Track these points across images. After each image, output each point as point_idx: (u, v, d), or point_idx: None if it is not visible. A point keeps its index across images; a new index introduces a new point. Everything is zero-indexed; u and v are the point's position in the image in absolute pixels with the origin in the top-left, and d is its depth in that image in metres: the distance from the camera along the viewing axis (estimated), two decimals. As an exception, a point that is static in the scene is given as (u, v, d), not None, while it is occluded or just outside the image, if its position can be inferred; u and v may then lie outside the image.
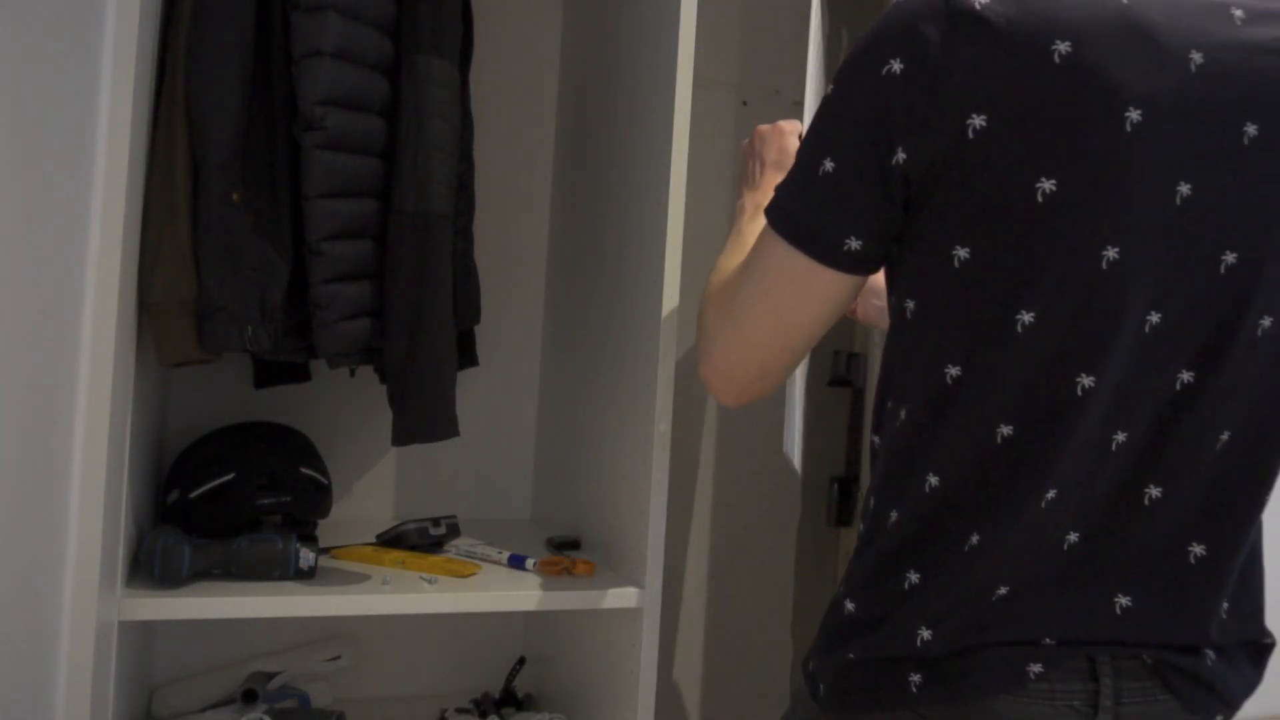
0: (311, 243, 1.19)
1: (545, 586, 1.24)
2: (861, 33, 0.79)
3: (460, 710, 1.54)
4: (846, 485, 1.90)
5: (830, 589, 1.94)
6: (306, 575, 1.19)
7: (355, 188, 1.22)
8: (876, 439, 0.87)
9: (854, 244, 0.77)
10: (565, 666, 1.52)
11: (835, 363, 1.91)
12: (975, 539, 0.78)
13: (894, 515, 0.81)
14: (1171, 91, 0.71)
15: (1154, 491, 0.79)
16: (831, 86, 0.78)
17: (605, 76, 1.51)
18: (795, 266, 0.79)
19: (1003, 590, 0.79)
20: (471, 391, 1.71)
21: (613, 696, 1.32)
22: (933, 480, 0.79)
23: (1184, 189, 0.73)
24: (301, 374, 1.57)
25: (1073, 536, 0.79)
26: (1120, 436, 0.77)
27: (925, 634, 0.79)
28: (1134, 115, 0.71)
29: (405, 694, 1.67)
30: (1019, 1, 0.73)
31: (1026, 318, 0.73)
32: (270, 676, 1.49)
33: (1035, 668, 0.78)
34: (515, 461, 1.75)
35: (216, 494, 1.33)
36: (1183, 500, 0.80)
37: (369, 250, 1.25)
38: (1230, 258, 0.75)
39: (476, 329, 1.68)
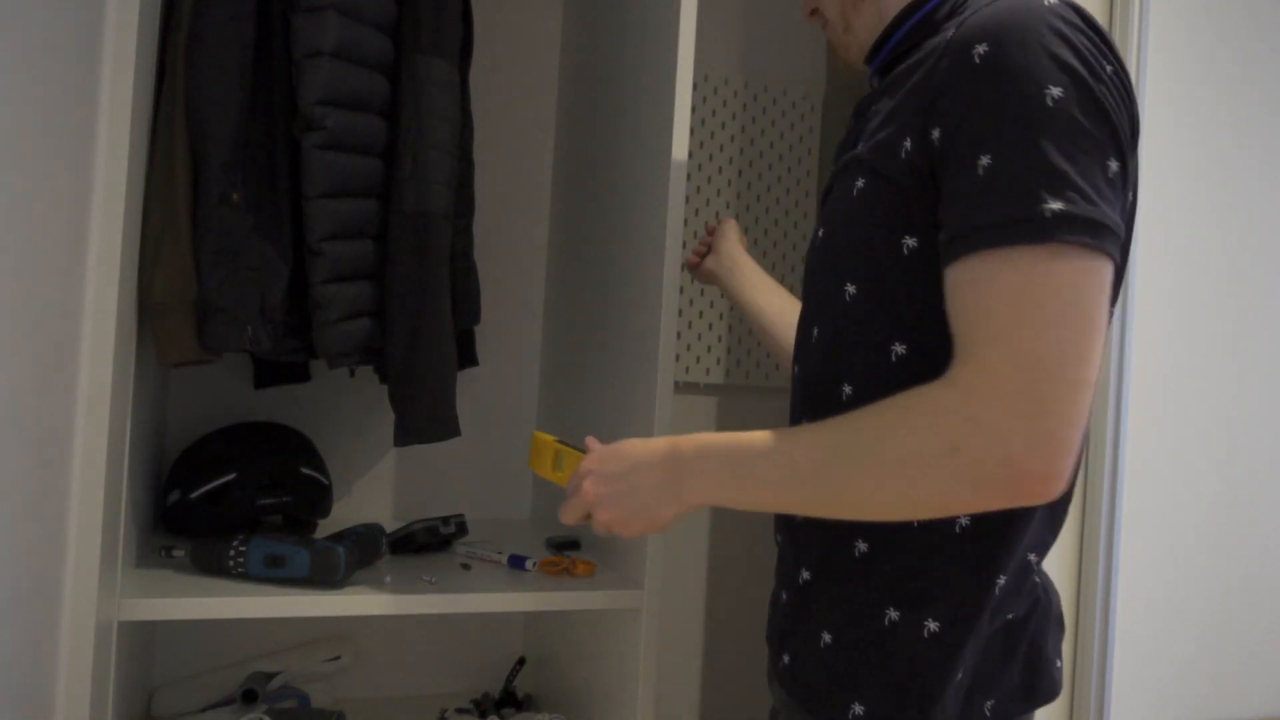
0: (311, 243, 1.19)
1: (545, 586, 1.24)
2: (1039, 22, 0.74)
3: (460, 710, 1.54)
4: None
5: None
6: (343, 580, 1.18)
7: (355, 188, 1.22)
8: None
9: (1123, 229, 0.73)
10: (565, 666, 1.52)
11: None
12: None
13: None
14: None
15: None
16: (1067, 88, 0.71)
17: (605, 76, 1.51)
18: (1105, 277, 0.70)
19: None
20: (471, 391, 1.71)
21: (613, 696, 1.32)
22: None
23: None
24: (301, 374, 1.57)
25: None
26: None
27: None
28: None
29: (405, 694, 1.67)
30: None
31: None
32: (270, 676, 1.49)
33: None
34: (515, 461, 1.75)
35: (217, 494, 1.33)
36: None
37: (369, 250, 1.25)
38: None
39: (476, 329, 1.68)
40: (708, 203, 1.84)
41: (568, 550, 1.45)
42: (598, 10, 1.58)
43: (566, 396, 1.60)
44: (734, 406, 1.89)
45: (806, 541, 0.89)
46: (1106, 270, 0.69)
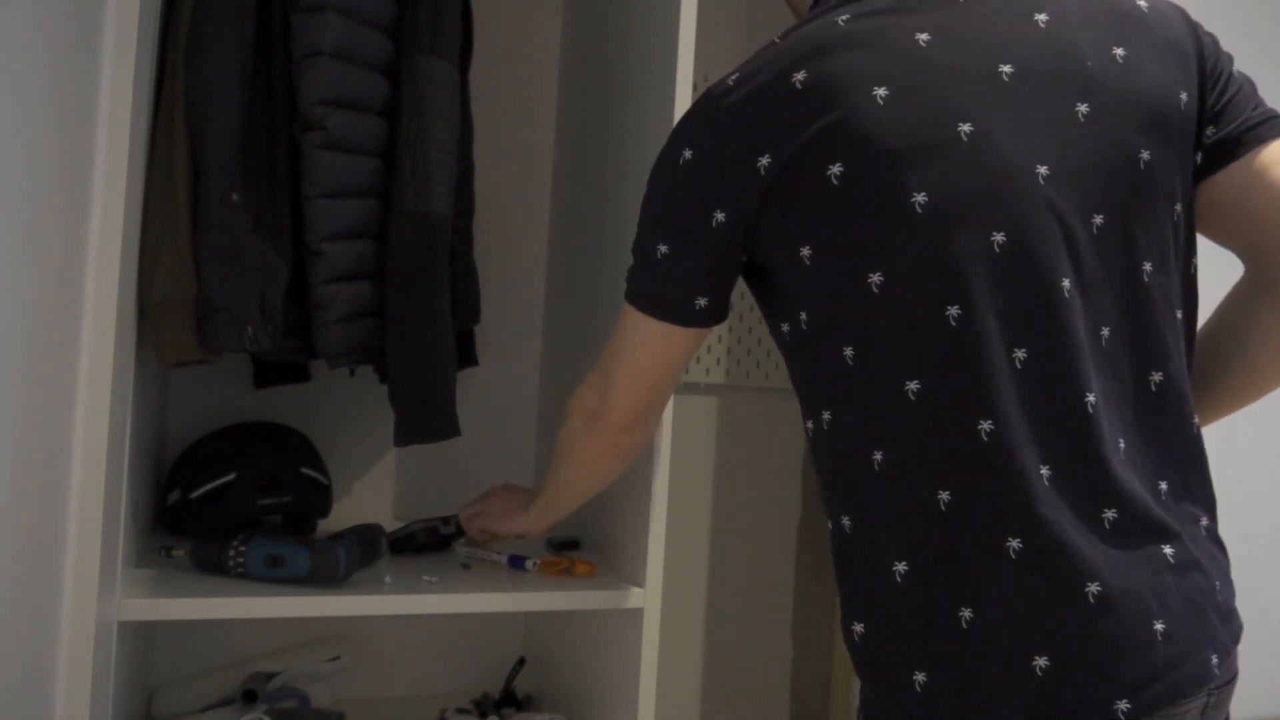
0: (311, 243, 1.19)
1: (545, 586, 1.24)
2: None
3: (460, 710, 1.54)
4: (846, 485, 1.90)
5: (830, 590, 1.94)
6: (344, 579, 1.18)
7: (355, 188, 1.22)
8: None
9: (702, 302, 0.93)
10: (565, 666, 1.52)
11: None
12: None
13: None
14: (908, 68, 0.83)
15: None
16: (650, 185, 0.95)
17: (605, 76, 1.51)
18: (653, 330, 0.96)
19: None
20: (471, 391, 1.71)
21: (613, 697, 1.32)
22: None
23: (965, 127, 0.82)
24: (301, 374, 1.57)
25: None
26: None
27: None
28: (880, 91, 0.82)
29: (405, 694, 1.67)
30: (761, 57, 0.87)
31: (875, 278, 0.83)
32: (270, 676, 1.49)
33: None
34: (515, 461, 1.75)
35: (217, 494, 1.33)
36: None
37: (369, 250, 1.25)
38: (1042, 169, 0.83)
39: (476, 329, 1.68)
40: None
41: (568, 550, 1.45)
42: (597, 10, 1.58)
43: (566, 397, 1.60)
44: (734, 406, 1.89)
45: None
46: (642, 320, 0.96)
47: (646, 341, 0.97)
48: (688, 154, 0.89)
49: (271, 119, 1.19)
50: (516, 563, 1.33)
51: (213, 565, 1.16)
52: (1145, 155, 0.85)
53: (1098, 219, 0.83)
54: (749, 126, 0.86)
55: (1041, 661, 0.78)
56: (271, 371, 1.55)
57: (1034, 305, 0.81)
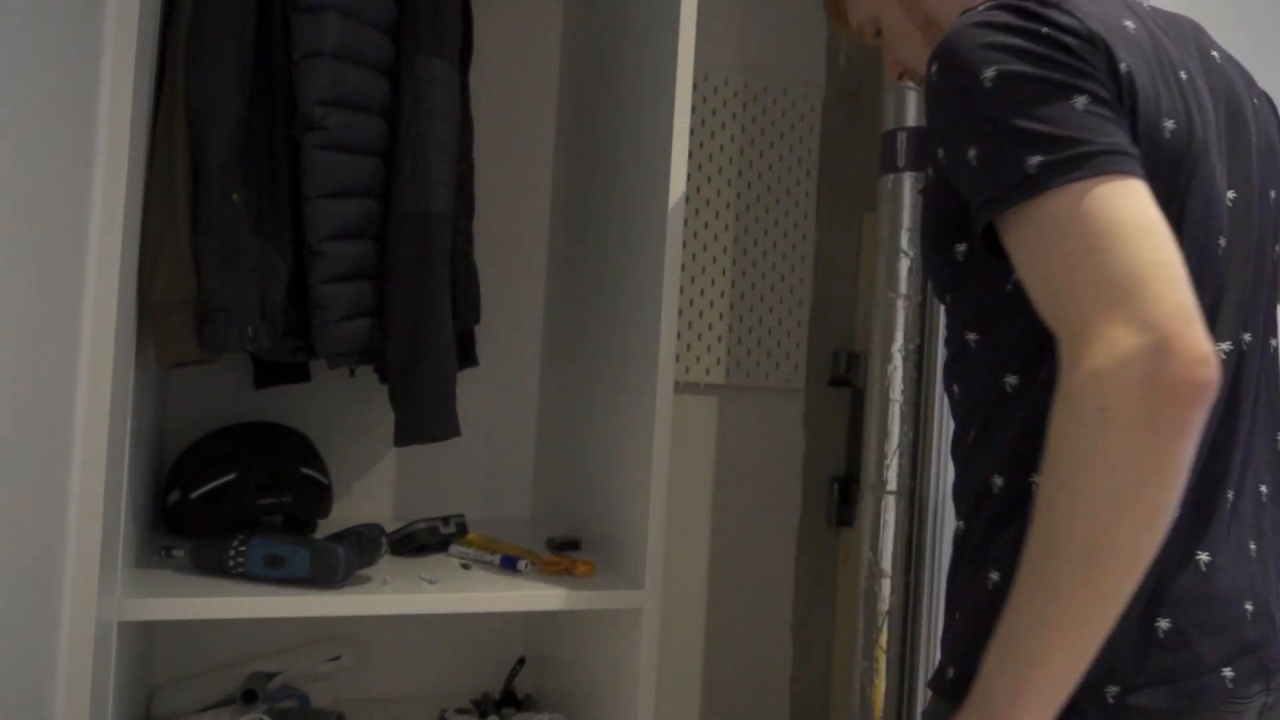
0: (312, 243, 1.19)
1: (545, 586, 1.24)
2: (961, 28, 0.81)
3: (460, 710, 1.54)
4: (846, 486, 1.90)
5: (830, 589, 1.94)
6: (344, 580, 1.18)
7: (355, 188, 1.22)
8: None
9: (1135, 150, 0.75)
10: (565, 666, 1.52)
11: (835, 363, 1.91)
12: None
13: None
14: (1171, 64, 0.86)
15: None
16: (1000, 64, 0.76)
17: (605, 76, 1.51)
18: (1121, 189, 0.71)
19: None
20: (471, 391, 1.71)
21: (613, 696, 1.31)
22: None
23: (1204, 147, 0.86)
24: (301, 374, 1.57)
25: None
26: None
27: None
28: (1183, 73, 0.85)
29: (405, 694, 1.67)
30: None
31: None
32: (270, 676, 1.49)
33: None
34: (515, 461, 1.75)
35: (217, 494, 1.33)
36: None
37: (369, 250, 1.25)
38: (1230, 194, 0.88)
39: (476, 329, 1.68)
40: (708, 203, 1.84)
41: (568, 550, 1.45)
42: (598, 10, 1.58)
43: (566, 396, 1.60)
44: (734, 406, 1.89)
45: None
46: (1119, 184, 0.71)
47: (1135, 202, 0.71)
48: (1048, 30, 0.77)
49: (271, 119, 1.20)
50: (509, 564, 1.33)
51: (213, 565, 1.16)
52: (1274, 194, 0.93)
53: (1255, 244, 0.91)
54: (1109, 32, 0.79)
55: (1163, 624, 0.80)
56: (271, 371, 1.55)
57: (1236, 315, 0.88)
